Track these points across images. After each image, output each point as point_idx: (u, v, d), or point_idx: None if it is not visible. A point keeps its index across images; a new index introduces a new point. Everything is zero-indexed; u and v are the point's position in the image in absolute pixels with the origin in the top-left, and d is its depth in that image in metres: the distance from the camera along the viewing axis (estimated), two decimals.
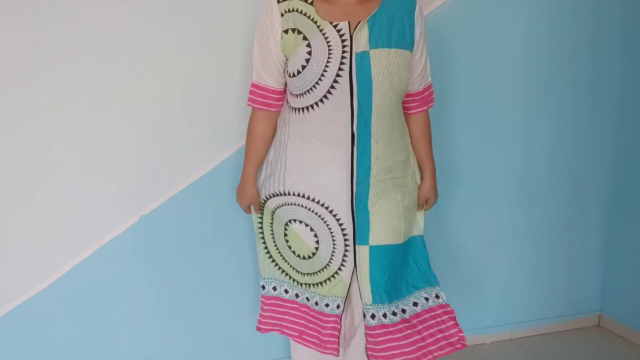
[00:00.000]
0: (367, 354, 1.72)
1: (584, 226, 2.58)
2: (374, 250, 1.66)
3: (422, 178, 1.83)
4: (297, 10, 1.58)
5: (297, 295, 1.80)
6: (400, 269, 1.73)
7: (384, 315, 1.68)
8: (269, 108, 1.70)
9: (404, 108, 1.77)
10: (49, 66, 1.82)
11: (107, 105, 1.89)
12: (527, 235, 2.50)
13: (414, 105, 1.78)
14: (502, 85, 2.33)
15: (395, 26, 1.59)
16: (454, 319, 1.76)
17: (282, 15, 1.58)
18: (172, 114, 1.96)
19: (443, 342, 1.74)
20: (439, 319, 1.76)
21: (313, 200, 1.65)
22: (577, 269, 2.61)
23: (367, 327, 1.69)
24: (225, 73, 1.99)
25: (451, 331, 1.75)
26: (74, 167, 1.89)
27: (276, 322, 1.84)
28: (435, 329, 1.75)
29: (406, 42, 1.62)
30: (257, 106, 1.70)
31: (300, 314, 1.80)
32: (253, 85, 1.70)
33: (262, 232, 1.82)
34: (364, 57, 1.56)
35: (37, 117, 1.83)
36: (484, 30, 2.26)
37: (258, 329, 1.86)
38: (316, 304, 1.74)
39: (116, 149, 1.92)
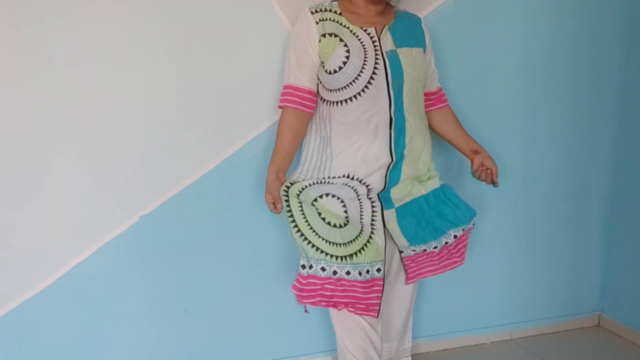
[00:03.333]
0: (407, 276, 2.02)
1: (584, 226, 2.58)
2: (400, 210, 1.91)
3: (476, 153, 2.03)
4: (329, 19, 1.85)
5: (334, 273, 1.82)
6: (433, 214, 1.96)
7: (425, 250, 1.96)
8: (303, 108, 1.87)
9: (425, 106, 2.03)
10: (49, 66, 1.82)
11: (107, 105, 1.89)
12: (526, 235, 2.50)
13: (431, 102, 2.06)
14: (502, 85, 2.33)
15: (411, 31, 1.92)
16: (465, 246, 2.06)
17: (317, 23, 1.84)
18: (172, 114, 1.96)
19: (453, 264, 2.04)
20: (459, 246, 2.03)
21: (352, 178, 1.86)
22: (577, 268, 2.61)
23: (404, 258, 1.98)
24: (225, 73, 1.99)
25: (459, 256, 2.05)
26: (74, 167, 1.89)
27: (314, 294, 1.86)
28: (453, 253, 2.03)
29: (422, 43, 1.94)
30: (292, 105, 1.86)
31: (339, 287, 1.83)
32: (290, 88, 1.87)
33: (292, 217, 1.86)
34: (393, 54, 1.84)
35: (37, 117, 1.83)
36: (484, 30, 2.26)
37: (299, 298, 1.84)
38: (359, 274, 1.82)
39: (116, 149, 1.92)
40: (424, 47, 1.95)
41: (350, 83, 1.82)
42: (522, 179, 2.44)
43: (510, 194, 2.43)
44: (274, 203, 1.87)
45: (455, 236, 1.99)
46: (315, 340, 2.25)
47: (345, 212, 1.84)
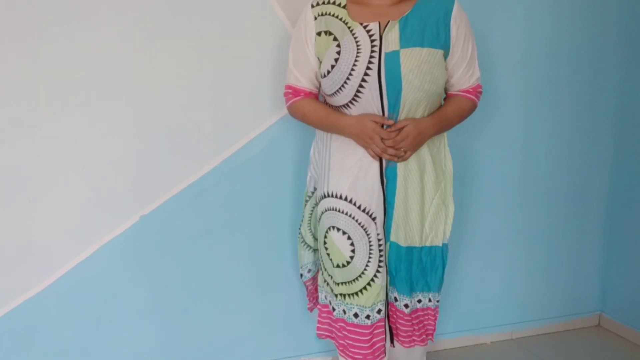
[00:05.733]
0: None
1: (584, 226, 2.58)
2: (393, 246, 1.72)
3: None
4: (329, 14, 1.63)
5: (333, 309, 1.77)
6: (419, 270, 1.75)
7: (395, 299, 1.78)
8: (312, 96, 1.73)
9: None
10: (52, 69, 1.82)
11: (107, 105, 1.89)
12: (526, 235, 2.50)
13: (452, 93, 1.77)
14: (501, 85, 2.33)
15: (428, 26, 1.59)
16: (436, 318, 1.84)
17: (315, 18, 1.64)
18: (173, 114, 1.96)
19: (423, 336, 1.84)
20: (429, 316, 1.83)
21: (354, 203, 1.66)
22: (577, 269, 2.61)
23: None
24: (225, 73, 1.99)
25: (429, 328, 1.84)
26: (74, 167, 1.89)
27: (330, 330, 1.83)
28: (423, 324, 1.83)
29: (440, 42, 1.61)
30: (299, 97, 1.72)
31: (339, 327, 1.77)
32: (288, 87, 1.75)
33: (308, 233, 1.87)
34: (393, 56, 1.56)
35: (37, 118, 1.83)
36: (483, 30, 2.25)
37: (318, 335, 1.85)
38: (355, 315, 1.71)
39: (116, 149, 1.92)
40: (445, 47, 1.62)
41: (339, 90, 1.61)
42: (522, 179, 2.44)
43: (510, 194, 2.43)
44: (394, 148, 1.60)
45: (430, 300, 1.78)
46: (315, 340, 2.25)
47: (353, 251, 1.68)
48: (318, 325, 1.85)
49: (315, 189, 1.84)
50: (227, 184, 2.04)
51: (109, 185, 1.93)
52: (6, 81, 1.79)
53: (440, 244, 1.77)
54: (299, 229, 1.94)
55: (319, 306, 1.86)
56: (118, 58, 1.88)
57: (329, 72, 1.61)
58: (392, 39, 1.56)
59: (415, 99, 1.59)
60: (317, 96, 1.76)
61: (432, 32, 1.60)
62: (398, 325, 1.80)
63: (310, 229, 1.88)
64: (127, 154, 1.94)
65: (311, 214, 1.87)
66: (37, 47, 1.80)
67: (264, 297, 2.16)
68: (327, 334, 1.84)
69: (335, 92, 1.63)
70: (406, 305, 1.77)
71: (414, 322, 1.80)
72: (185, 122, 1.98)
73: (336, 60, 1.59)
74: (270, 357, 2.21)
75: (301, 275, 1.96)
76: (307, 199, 1.89)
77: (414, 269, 1.75)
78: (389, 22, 1.58)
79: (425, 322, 1.83)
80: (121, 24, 1.87)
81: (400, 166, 1.66)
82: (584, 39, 2.42)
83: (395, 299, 1.77)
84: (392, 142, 1.59)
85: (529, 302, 2.55)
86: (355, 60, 1.56)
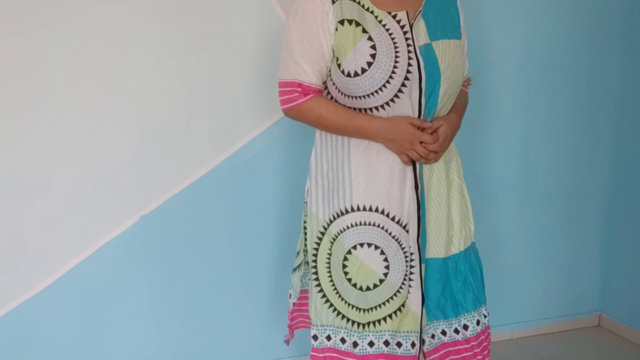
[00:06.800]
0: None
1: (584, 226, 2.58)
2: (428, 264, 1.50)
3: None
4: None
5: (355, 345, 1.48)
6: (455, 282, 1.54)
7: (443, 333, 1.53)
8: (318, 94, 1.47)
9: None
10: (50, 67, 1.82)
11: (107, 105, 1.89)
12: (526, 235, 2.50)
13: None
14: (501, 85, 2.33)
15: (448, 17, 1.46)
16: (490, 342, 1.62)
17: (333, 2, 1.36)
18: (173, 114, 1.96)
19: None
20: (483, 345, 1.59)
21: (387, 215, 1.44)
22: (577, 269, 2.61)
23: (426, 354, 1.53)
24: (226, 72, 1.99)
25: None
26: (74, 167, 1.89)
27: None
28: (484, 353, 1.59)
29: (458, 32, 1.48)
30: (308, 97, 1.44)
31: None
32: (294, 84, 1.43)
33: (315, 269, 1.52)
34: (427, 49, 1.39)
35: (38, 118, 1.83)
36: (483, 30, 2.26)
37: None
38: (386, 343, 1.46)
39: (116, 149, 1.92)
40: (460, 37, 1.50)
41: (378, 91, 1.38)
42: (521, 179, 2.44)
43: (510, 194, 2.43)
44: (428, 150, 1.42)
45: (478, 322, 1.54)
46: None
47: (387, 267, 1.45)
48: None
49: (333, 217, 1.50)
50: (227, 184, 2.04)
51: (109, 185, 1.93)
52: (4, 79, 1.79)
53: (470, 244, 1.58)
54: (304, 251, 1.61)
55: (313, 352, 1.54)
56: (117, 57, 1.88)
57: (364, 70, 1.36)
58: (420, 31, 1.40)
59: (451, 96, 1.46)
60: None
61: (453, 23, 1.46)
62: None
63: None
64: (126, 153, 1.94)
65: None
66: (37, 44, 1.80)
67: (264, 297, 2.16)
68: None
69: (372, 93, 1.39)
70: (456, 331, 1.52)
71: (476, 349, 1.54)
72: (185, 122, 1.98)
73: (373, 56, 1.36)
74: (270, 357, 2.21)
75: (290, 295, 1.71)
76: (322, 230, 1.51)
77: (454, 281, 1.53)
78: (417, 11, 1.39)
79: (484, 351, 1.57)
80: (121, 24, 1.87)
81: (425, 167, 1.48)
82: (583, 39, 2.42)
83: (444, 332, 1.52)
84: (437, 146, 1.42)
85: (529, 302, 2.55)
86: (396, 56, 1.36)
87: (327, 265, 1.50)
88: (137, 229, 1.98)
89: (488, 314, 1.60)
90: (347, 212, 1.46)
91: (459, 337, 1.53)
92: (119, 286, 1.99)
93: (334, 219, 1.47)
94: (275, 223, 2.12)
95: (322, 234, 1.50)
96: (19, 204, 1.86)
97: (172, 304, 2.07)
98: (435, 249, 1.51)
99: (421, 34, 1.40)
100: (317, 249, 1.51)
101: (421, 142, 1.40)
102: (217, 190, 2.04)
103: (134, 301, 2.02)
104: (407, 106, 1.41)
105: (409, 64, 1.37)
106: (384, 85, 1.37)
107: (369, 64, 1.36)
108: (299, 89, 1.43)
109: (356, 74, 1.38)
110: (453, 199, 1.55)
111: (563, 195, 2.52)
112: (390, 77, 1.37)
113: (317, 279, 1.51)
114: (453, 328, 1.53)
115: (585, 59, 2.44)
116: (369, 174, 1.45)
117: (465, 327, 1.53)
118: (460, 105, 1.58)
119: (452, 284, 1.52)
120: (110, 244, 1.96)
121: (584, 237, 2.59)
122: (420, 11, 1.40)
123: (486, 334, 1.59)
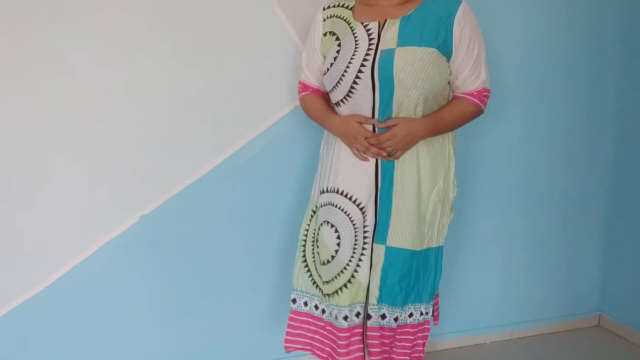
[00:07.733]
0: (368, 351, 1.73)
1: (584, 226, 2.58)
2: (390, 251, 1.67)
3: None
4: (337, 16, 1.71)
5: (323, 312, 1.76)
6: (414, 276, 1.70)
7: (382, 317, 1.70)
8: (320, 94, 1.82)
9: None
10: (51, 68, 1.82)
11: (107, 105, 1.89)
12: (526, 235, 2.50)
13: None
14: (500, 86, 2.32)
15: (429, 25, 1.59)
16: (426, 338, 1.77)
17: (324, 20, 1.73)
18: (172, 114, 1.96)
19: (407, 358, 1.76)
20: (418, 335, 1.76)
21: (348, 197, 1.67)
22: (577, 269, 2.61)
23: (369, 328, 1.71)
24: (225, 73, 1.99)
25: (418, 350, 1.76)
26: (74, 167, 1.89)
27: (307, 340, 1.81)
28: (410, 344, 1.75)
29: (439, 42, 1.59)
30: (307, 92, 1.81)
31: (327, 333, 1.76)
32: (300, 83, 1.85)
33: (305, 238, 1.82)
34: (388, 54, 1.57)
35: (37, 118, 1.83)
36: (482, 31, 2.25)
37: (286, 348, 1.82)
38: (335, 318, 1.69)
39: (116, 149, 1.92)
40: (442, 48, 1.59)
41: (335, 86, 1.65)
42: (521, 180, 2.44)
43: (509, 195, 2.43)
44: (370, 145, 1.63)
45: (421, 313, 1.73)
46: None
47: (338, 244, 1.68)
48: (287, 337, 1.81)
49: (317, 195, 1.80)
50: (227, 184, 2.04)
51: (108, 186, 1.93)
52: (4, 79, 1.79)
53: (435, 246, 1.73)
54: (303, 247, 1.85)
55: (292, 314, 1.82)
56: (118, 58, 1.88)
57: (328, 69, 1.67)
58: (390, 38, 1.59)
59: (407, 98, 1.59)
60: (324, 94, 1.82)
61: (432, 31, 1.58)
62: (375, 343, 1.72)
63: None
64: (126, 154, 1.94)
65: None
66: (37, 45, 1.80)
67: (263, 297, 2.16)
68: (299, 346, 1.81)
69: (332, 89, 1.68)
70: (396, 319, 1.70)
71: (397, 337, 1.73)
72: (185, 122, 1.98)
73: (335, 58, 1.65)
74: (270, 357, 2.21)
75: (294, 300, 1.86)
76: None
77: (413, 275, 1.70)
78: (386, 20, 1.60)
79: (415, 342, 1.75)
80: (122, 24, 1.87)
81: (397, 163, 1.66)
82: (582, 39, 2.42)
83: (383, 316, 1.69)
84: (375, 141, 1.61)
85: (528, 302, 2.55)
86: (352, 58, 1.60)
87: (314, 236, 1.77)
88: (137, 230, 1.98)
89: (427, 313, 1.75)
90: (324, 192, 1.73)
91: (395, 325, 1.71)
92: (118, 286, 1.99)
93: (321, 193, 1.75)
94: (275, 223, 2.12)
95: (314, 212, 1.79)
96: (19, 204, 1.86)
97: (171, 304, 2.07)
98: (400, 239, 1.66)
99: (389, 40, 1.59)
100: (309, 224, 1.80)
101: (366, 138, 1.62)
102: (217, 190, 2.04)
103: (133, 301, 2.02)
104: (362, 103, 1.63)
105: (362, 64, 1.58)
106: (339, 82, 1.63)
107: (331, 64, 1.66)
108: (300, 87, 1.85)
109: (326, 72, 1.69)
110: (431, 200, 1.69)
111: (562, 196, 2.52)
112: (343, 75, 1.61)
113: (304, 247, 1.80)
114: (394, 316, 1.70)
115: (584, 60, 2.44)
116: (343, 161, 1.68)
117: (406, 318, 1.72)
118: (445, 113, 1.68)
119: (411, 276, 1.69)
120: (109, 244, 1.96)
121: (584, 238, 2.59)
122: (391, 20, 1.60)
123: (422, 329, 1.75)
